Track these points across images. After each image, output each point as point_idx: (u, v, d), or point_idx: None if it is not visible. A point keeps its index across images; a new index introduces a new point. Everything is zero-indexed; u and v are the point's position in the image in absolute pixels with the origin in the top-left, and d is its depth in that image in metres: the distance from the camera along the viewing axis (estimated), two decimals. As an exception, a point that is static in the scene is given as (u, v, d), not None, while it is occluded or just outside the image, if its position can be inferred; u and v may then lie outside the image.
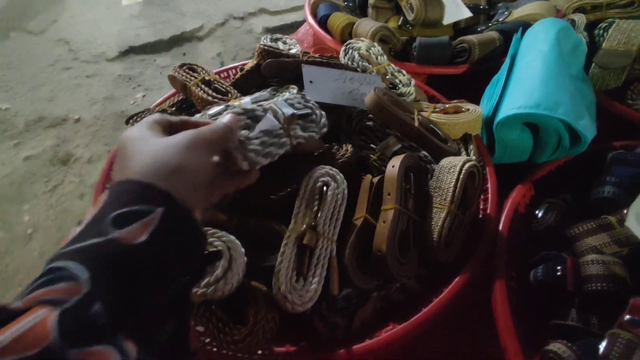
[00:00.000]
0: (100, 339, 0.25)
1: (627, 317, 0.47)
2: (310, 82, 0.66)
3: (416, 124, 0.65)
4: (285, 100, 0.56)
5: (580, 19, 0.94)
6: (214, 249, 0.48)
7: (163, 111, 0.75)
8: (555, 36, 0.80)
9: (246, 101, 0.62)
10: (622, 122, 0.80)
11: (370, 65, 0.79)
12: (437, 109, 0.74)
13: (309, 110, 0.58)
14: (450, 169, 0.60)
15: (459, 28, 1.11)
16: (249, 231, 0.56)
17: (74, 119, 1.62)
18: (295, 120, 0.55)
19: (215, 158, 0.40)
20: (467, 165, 0.59)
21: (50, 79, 1.80)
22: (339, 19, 1.06)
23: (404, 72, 0.80)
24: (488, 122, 0.77)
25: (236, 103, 0.60)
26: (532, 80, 0.74)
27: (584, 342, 0.49)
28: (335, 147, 0.63)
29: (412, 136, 0.66)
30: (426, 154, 0.65)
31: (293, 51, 0.87)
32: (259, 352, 0.50)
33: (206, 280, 0.47)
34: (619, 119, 0.80)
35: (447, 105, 0.75)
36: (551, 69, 0.75)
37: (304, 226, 0.51)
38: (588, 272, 0.53)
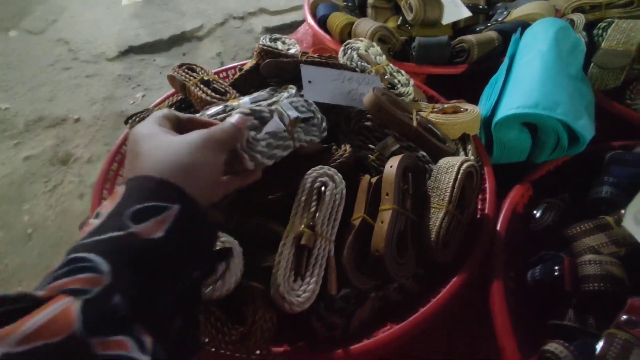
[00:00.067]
0: (119, 330, 0.26)
1: (624, 317, 0.47)
2: (309, 82, 0.67)
3: (414, 124, 0.65)
4: (290, 103, 0.57)
5: (580, 18, 0.94)
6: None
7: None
8: (554, 36, 0.80)
9: (245, 101, 0.63)
10: (620, 122, 0.80)
11: (369, 65, 0.79)
12: (435, 109, 0.74)
13: (311, 114, 0.59)
14: (448, 169, 0.60)
15: (458, 28, 1.11)
16: (250, 231, 0.56)
17: (73, 118, 1.62)
18: (299, 123, 0.55)
19: (224, 157, 0.42)
20: (465, 165, 0.59)
21: (50, 78, 1.80)
22: (338, 19, 1.06)
23: (403, 72, 0.80)
24: (486, 122, 0.77)
25: (235, 103, 0.60)
26: (531, 80, 0.74)
27: (581, 342, 0.49)
28: (334, 147, 0.63)
29: (411, 136, 0.66)
30: (424, 154, 0.65)
31: (292, 51, 0.87)
32: (257, 352, 0.50)
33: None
34: (618, 118, 0.80)
35: (445, 105, 0.75)
36: (550, 69, 0.75)
37: (302, 226, 0.51)
38: (585, 272, 0.53)
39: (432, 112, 0.74)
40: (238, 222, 0.57)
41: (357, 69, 0.77)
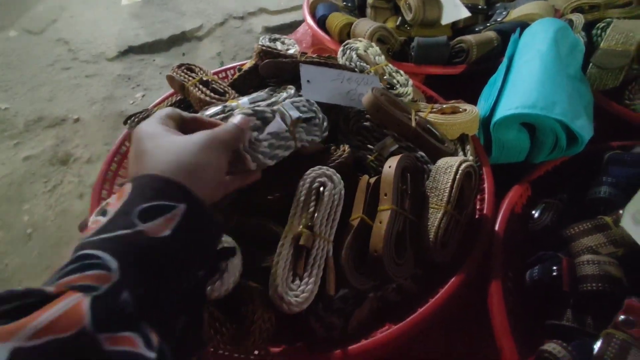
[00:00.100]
0: (127, 326, 0.26)
1: (622, 317, 0.47)
2: (308, 81, 0.67)
3: (413, 124, 0.65)
4: (292, 103, 0.57)
5: (579, 18, 0.94)
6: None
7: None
8: (553, 36, 0.80)
9: (244, 101, 0.63)
10: (619, 122, 0.80)
11: (368, 66, 0.79)
12: (434, 109, 0.74)
13: (312, 114, 0.59)
14: (447, 170, 0.60)
15: (458, 28, 1.11)
16: (250, 231, 0.56)
17: (73, 118, 1.62)
18: (300, 123, 0.55)
19: (228, 158, 0.42)
20: (463, 165, 0.60)
21: (49, 78, 1.80)
22: (337, 19, 1.06)
23: (402, 72, 0.80)
24: (485, 123, 0.77)
25: (234, 104, 0.60)
26: (530, 81, 0.74)
27: (579, 342, 0.49)
28: (332, 147, 0.63)
29: (410, 136, 0.66)
30: (423, 154, 0.65)
31: (291, 51, 0.87)
32: (256, 352, 0.50)
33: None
34: (617, 119, 0.80)
35: (444, 106, 0.75)
36: (549, 69, 0.75)
37: (301, 227, 0.51)
38: (583, 273, 0.54)
39: (430, 112, 0.74)
40: (238, 222, 0.57)
41: (356, 69, 0.77)
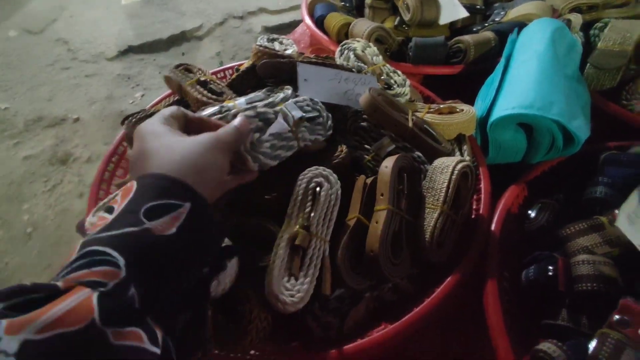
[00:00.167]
0: (134, 322, 0.27)
1: (617, 317, 0.48)
2: (305, 80, 0.67)
3: (410, 124, 0.66)
4: (295, 103, 0.57)
5: (577, 18, 0.94)
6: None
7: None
8: (550, 36, 0.80)
9: (241, 102, 0.63)
10: (616, 123, 0.80)
11: (365, 66, 0.79)
12: (431, 110, 0.74)
13: (316, 113, 0.59)
14: (443, 170, 0.60)
15: (456, 28, 1.11)
16: (249, 231, 0.56)
17: (73, 118, 1.63)
18: (303, 122, 0.56)
19: (230, 159, 0.44)
20: (459, 165, 0.60)
21: (49, 78, 1.80)
22: (335, 19, 1.06)
23: (399, 72, 0.80)
24: (482, 123, 0.77)
25: (230, 104, 0.60)
26: (527, 81, 0.74)
27: (574, 342, 0.49)
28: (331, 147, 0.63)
29: (406, 137, 0.66)
30: (420, 154, 0.65)
31: (289, 51, 0.88)
32: (252, 351, 0.51)
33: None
34: (614, 119, 0.80)
35: (441, 106, 0.75)
36: (546, 70, 0.75)
37: (297, 227, 0.51)
38: (579, 272, 0.54)
39: (428, 112, 0.74)
40: (238, 222, 0.57)
41: (353, 70, 0.77)
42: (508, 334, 0.51)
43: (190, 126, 0.46)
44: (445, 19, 1.05)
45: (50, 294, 0.25)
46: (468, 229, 0.62)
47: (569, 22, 0.94)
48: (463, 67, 0.96)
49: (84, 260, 0.28)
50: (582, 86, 0.82)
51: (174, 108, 0.45)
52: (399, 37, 1.03)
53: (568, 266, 0.55)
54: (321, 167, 0.56)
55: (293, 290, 0.48)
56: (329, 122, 0.61)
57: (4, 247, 1.25)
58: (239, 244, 0.52)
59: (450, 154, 0.69)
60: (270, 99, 0.62)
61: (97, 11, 2.24)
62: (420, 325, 0.51)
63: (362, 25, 1.00)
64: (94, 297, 0.26)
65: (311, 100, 0.60)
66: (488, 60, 0.96)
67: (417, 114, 0.72)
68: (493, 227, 0.63)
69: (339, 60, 0.82)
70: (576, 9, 0.99)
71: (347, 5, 1.23)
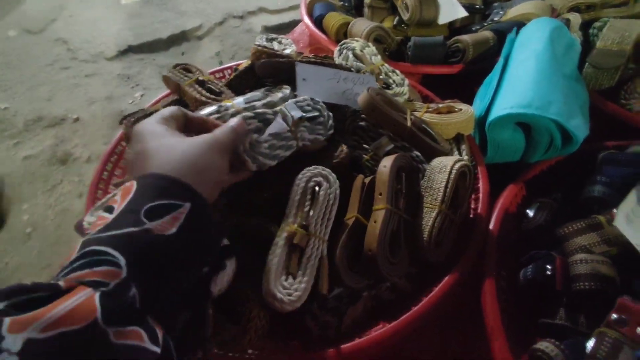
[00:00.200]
0: (134, 321, 0.27)
1: (614, 316, 0.48)
2: (304, 80, 0.67)
3: (409, 123, 0.66)
4: (295, 103, 0.57)
5: (575, 18, 0.94)
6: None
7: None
8: (548, 36, 0.80)
9: (239, 101, 0.63)
10: (615, 122, 0.80)
11: (364, 65, 0.79)
12: (430, 109, 0.75)
13: (317, 113, 0.59)
14: (442, 169, 0.60)
15: (455, 28, 1.11)
16: (250, 231, 0.56)
17: (72, 118, 1.63)
18: (303, 122, 0.56)
19: (228, 159, 0.44)
20: (458, 165, 0.60)
21: (49, 78, 1.81)
22: (334, 19, 1.06)
23: (398, 72, 0.80)
24: (481, 122, 0.77)
25: (229, 103, 0.60)
26: (525, 80, 0.74)
27: (572, 341, 0.49)
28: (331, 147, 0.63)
29: (405, 136, 0.66)
30: (418, 153, 0.65)
31: (288, 51, 0.88)
32: (250, 351, 0.51)
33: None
34: (612, 118, 0.80)
35: (440, 105, 0.75)
36: (544, 69, 0.75)
37: (295, 226, 0.51)
38: (577, 272, 0.54)
39: (426, 112, 0.74)
40: (238, 222, 0.57)
41: (352, 69, 0.77)
42: (506, 333, 0.51)
43: (190, 126, 0.47)
44: (444, 18, 1.05)
45: (52, 293, 0.26)
46: (466, 228, 0.62)
47: (567, 22, 0.94)
48: (462, 66, 0.96)
49: (84, 259, 0.28)
50: (581, 85, 0.82)
51: (173, 108, 0.45)
52: (397, 36, 1.03)
53: (566, 265, 0.55)
54: (320, 167, 0.56)
55: (291, 289, 0.48)
56: (330, 122, 0.61)
57: (4, 247, 1.25)
58: (239, 244, 0.52)
59: (449, 153, 0.69)
60: (269, 99, 0.62)
61: (97, 11, 2.24)
62: (418, 324, 0.51)
63: (361, 25, 1.00)
64: (96, 296, 0.26)
65: (312, 100, 0.60)
66: (487, 59, 0.96)
67: (416, 113, 0.72)
68: (491, 226, 0.63)
69: (337, 60, 0.82)
70: (575, 9, 0.99)
71: (346, 4, 1.23)
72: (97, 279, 0.27)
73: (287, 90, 0.66)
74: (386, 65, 0.81)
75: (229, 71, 0.91)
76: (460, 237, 0.61)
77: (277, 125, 0.52)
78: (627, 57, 0.82)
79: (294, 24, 2.07)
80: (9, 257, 1.23)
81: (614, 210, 0.57)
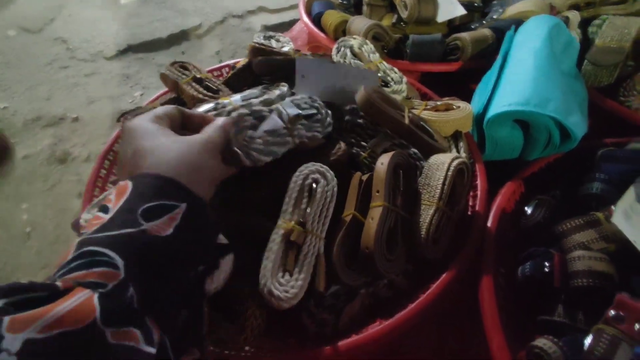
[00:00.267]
0: (132, 322, 0.27)
1: (612, 312, 0.47)
2: (303, 76, 0.66)
3: (406, 121, 0.65)
4: (292, 101, 0.57)
5: (575, 16, 0.94)
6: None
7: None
8: (547, 33, 0.80)
9: (236, 99, 0.63)
10: (613, 119, 0.80)
11: (362, 63, 0.79)
12: (428, 107, 0.74)
13: (314, 111, 0.59)
14: (439, 166, 0.60)
15: (454, 25, 1.11)
16: (247, 228, 0.56)
17: (71, 117, 1.63)
18: (300, 120, 0.56)
19: (221, 158, 0.44)
20: (455, 162, 0.60)
21: (47, 78, 1.81)
22: (332, 17, 1.06)
23: (396, 69, 0.80)
24: (479, 120, 0.77)
25: (226, 101, 0.60)
26: (523, 78, 0.74)
27: (570, 338, 0.49)
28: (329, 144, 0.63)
29: (403, 133, 0.66)
30: (416, 151, 0.65)
31: (286, 49, 0.87)
32: (247, 348, 0.51)
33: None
34: (611, 115, 0.80)
35: (438, 103, 0.75)
36: (542, 66, 0.75)
37: (292, 223, 0.51)
38: (575, 268, 0.54)
39: (424, 109, 0.74)
40: (237, 221, 0.57)
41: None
42: (503, 330, 0.51)
43: (189, 124, 0.46)
44: (442, 16, 1.05)
45: (50, 293, 0.26)
46: (464, 226, 0.62)
47: (567, 20, 0.94)
48: (460, 64, 0.96)
49: (82, 260, 0.28)
50: (580, 83, 0.82)
51: (168, 107, 0.45)
52: (396, 34, 1.02)
53: (564, 262, 0.55)
54: (318, 164, 0.56)
55: (287, 286, 0.48)
56: (328, 119, 0.61)
57: (3, 247, 1.25)
58: (237, 241, 0.51)
59: (447, 150, 0.68)
60: (266, 96, 0.62)
61: (96, 10, 2.24)
62: (416, 321, 0.51)
63: (360, 23, 0.99)
64: (95, 297, 0.26)
65: (310, 97, 0.60)
66: (485, 57, 0.96)
67: (414, 110, 0.72)
68: (489, 223, 0.63)
69: (335, 58, 0.82)
70: (574, 6, 0.99)
71: (345, 2, 1.22)
72: (95, 280, 0.27)
73: (284, 87, 0.66)
74: (384, 63, 0.81)
75: (227, 69, 0.91)
76: (458, 234, 0.60)
77: (272, 122, 0.52)
78: (626, 55, 0.82)
79: (294, 23, 2.06)
80: (8, 256, 1.24)
81: (612, 207, 0.57)
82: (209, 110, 0.58)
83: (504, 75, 0.80)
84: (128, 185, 0.34)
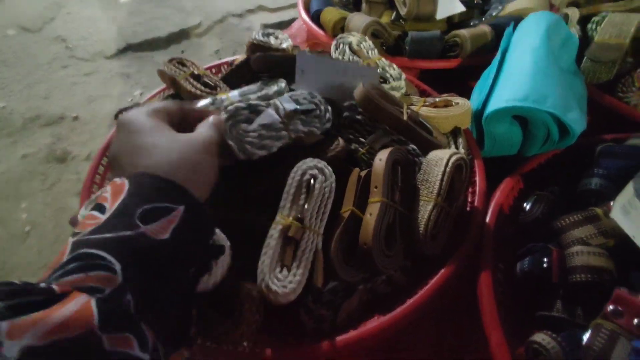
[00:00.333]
0: (127, 327, 0.27)
1: (611, 307, 0.47)
2: (302, 71, 0.66)
3: (405, 117, 0.65)
4: (290, 97, 0.57)
5: (574, 12, 0.94)
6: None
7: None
8: (545, 30, 0.80)
9: (234, 94, 0.63)
10: (612, 115, 0.80)
11: (361, 60, 0.79)
12: (427, 103, 0.74)
13: (312, 106, 0.59)
14: (438, 162, 0.60)
15: (453, 23, 1.11)
16: (245, 224, 0.56)
17: (71, 117, 1.63)
18: (298, 115, 0.56)
19: (218, 156, 0.44)
20: (454, 158, 0.59)
21: (47, 76, 1.81)
22: (331, 14, 1.06)
23: (395, 66, 0.80)
24: (477, 116, 0.77)
25: (224, 96, 0.60)
26: (521, 74, 0.74)
27: (569, 333, 0.49)
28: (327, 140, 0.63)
29: (401, 129, 0.66)
30: (414, 147, 0.65)
31: (284, 46, 0.87)
32: (244, 344, 0.50)
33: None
34: (610, 112, 0.80)
35: (437, 99, 0.75)
36: (540, 62, 0.75)
37: (290, 218, 0.51)
38: (573, 264, 0.53)
39: (423, 105, 0.74)
40: (236, 219, 0.57)
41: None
42: (502, 325, 0.51)
43: (188, 119, 0.46)
44: (442, 13, 1.05)
45: (46, 297, 0.25)
46: (463, 221, 0.62)
47: (566, 17, 0.94)
48: (459, 61, 0.95)
49: (78, 263, 0.28)
50: (578, 79, 0.81)
51: (167, 102, 0.45)
52: (395, 31, 1.02)
53: (562, 257, 0.55)
54: (316, 160, 0.56)
55: (285, 282, 0.48)
56: (327, 115, 0.61)
57: (2, 246, 1.25)
58: (236, 238, 0.51)
59: (445, 146, 0.68)
60: (264, 92, 0.62)
61: (95, 9, 2.24)
62: (414, 317, 0.51)
63: (358, 20, 0.99)
64: (93, 303, 0.25)
65: (309, 93, 0.60)
66: (485, 54, 0.96)
67: (413, 107, 0.72)
68: (488, 219, 0.63)
69: (334, 54, 0.82)
70: (573, 3, 0.99)
71: None
72: (93, 285, 0.27)
73: (282, 83, 0.66)
74: (383, 59, 0.81)
75: (226, 66, 0.90)
76: (457, 230, 0.60)
77: (268, 116, 0.52)
78: (625, 51, 0.81)
79: (293, 21, 2.06)
80: (7, 255, 1.23)
81: (611, 203, 0.57)
82: (206, 105, 0.58)
83: (503, 71, 0.80)
84: (125, 184, 0.33)
